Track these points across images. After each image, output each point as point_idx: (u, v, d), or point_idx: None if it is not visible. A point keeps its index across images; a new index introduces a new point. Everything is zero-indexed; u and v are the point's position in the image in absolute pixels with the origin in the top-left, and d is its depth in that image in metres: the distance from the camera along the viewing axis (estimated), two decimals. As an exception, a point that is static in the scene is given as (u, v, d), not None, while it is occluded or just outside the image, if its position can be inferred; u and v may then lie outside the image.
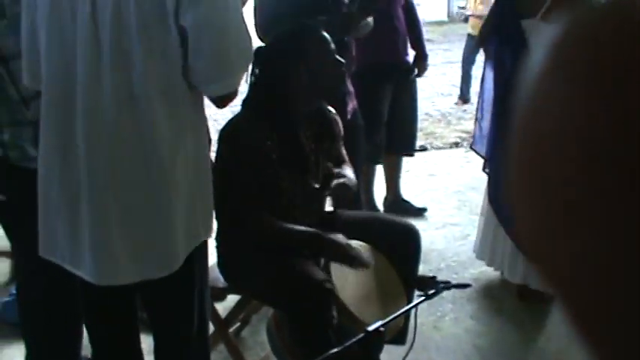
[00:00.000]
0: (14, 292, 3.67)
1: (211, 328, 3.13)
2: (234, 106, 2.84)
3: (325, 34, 2.87)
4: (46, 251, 2.30)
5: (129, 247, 2.16)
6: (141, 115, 2.06)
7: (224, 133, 2.82)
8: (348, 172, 3.01)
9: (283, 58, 2.79)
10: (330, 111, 3.05)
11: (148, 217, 2.15)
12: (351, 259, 2.69)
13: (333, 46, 2.87)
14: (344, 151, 3.15)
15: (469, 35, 10.20)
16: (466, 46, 10.23)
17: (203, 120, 2.33)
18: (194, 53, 2.05)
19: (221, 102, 2.25)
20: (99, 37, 2.03)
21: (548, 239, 0.44)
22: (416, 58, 5.22)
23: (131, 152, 2.10)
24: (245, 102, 2.89)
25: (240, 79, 2.20)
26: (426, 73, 5.49)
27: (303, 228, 2.76)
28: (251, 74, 2.86)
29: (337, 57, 2.87)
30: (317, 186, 2.83)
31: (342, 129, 3.09)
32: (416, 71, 5.26)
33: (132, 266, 2.18)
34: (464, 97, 10.06)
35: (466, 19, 13.05)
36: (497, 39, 3.81)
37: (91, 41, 2.03)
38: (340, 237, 2.73)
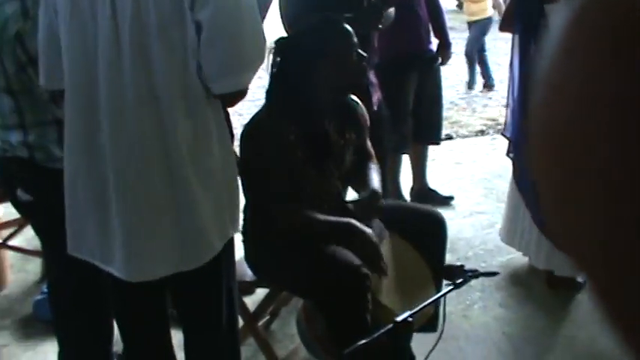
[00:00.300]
0: (46, 290, 3.72)
1: (240, 321, 3.16)
2: (259, 100, 2.86)
3: (348, 27, 2.86)
4: (75, 249, 2.33)
5: (158, 241, 2.18)
6: (162, 112, 2.08)
7: (248, 128, 2.83)
8: (374, 177, 3.03)
9: (306, 52, 2.79)
10: (356, 103, 3.06)
11: (176, 213, 2.17)
12: (373, 258, 2.69)
13: (355, 39, 2.86)
14: (369, 144, 3.15)
15: (469, 23, 10.13)
16: (470, 36, 10.17)
17: (226, 115, 2.34)
18: (206, 47, 2.05)
19: (229, 100, 2.25)
20: (119, 36, 2.05)
21: (573, 210, 0.42)
22: (439, 46, 5.20)
23: (154, 149, 2.12)
24: (268, 94, 2.90)
25: (250, 78, 2.19)
26: (450, 61, 5.46)
27: (334, 218, 2.77)
28: (272, 65, 2.87)
29: (360, 51, 2.87)
30: (349, 205, 2.81)
31: (368, 121, 3.10)
32: (440, 60, 5.24)
33: (162, 261, 2.21)
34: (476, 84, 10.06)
35: (460, 6, 12.83)
36: (521, 26, 3.78)
37: (111, 40, 2.05)
38: (371, 232, 2.74)
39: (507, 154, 4.08)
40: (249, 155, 2.78)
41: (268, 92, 2.90)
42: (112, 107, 2.09)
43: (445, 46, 5.23)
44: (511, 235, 4.18)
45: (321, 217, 2.74)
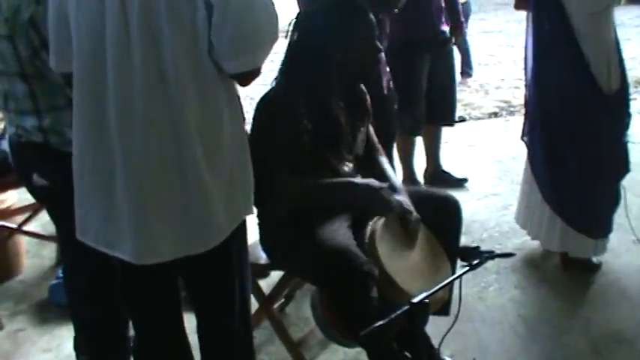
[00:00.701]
0: (62, 274, 3.74)
1: (255, 304, 3.16)
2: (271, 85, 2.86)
3: (372, 17, 2.85)
4: (82, 234, 2.31)
5: (167, 224, 2.16)
6: (172, 92, 2.06)
7: (261, 102, 2.85)
8: (390, 171, 3.08)
9: (324, 34, 2.78)
10: (362, 89, 3.07)
11: (185, 194, 2.15)
12: (384, 203, 2.75)
13: (376, 31, 2.86)
14: (373, 133, 3.17)
15: None
16: None
17: (237, 96, 2.32)
18: (218, 28, 2.02)
19: (244, 79, 2.23)
20: (128, 17, 2.02)
21: None
22: (452, 26, 5.16)
23: (163, 130, 2.09)
24: (282, 67, 2.90)
25: (263, 57, 2.16)
26: (463, 43, 5.43)
27: (335, 180, 2.81)
28: (290, 36, 2.86)
29: (377, 43, 2.87)
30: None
31: (370, 106, 3.11)
32: (453, 40, 5.21)
33: (170, 243, 2.19)
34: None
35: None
36: (535, 3, 3.76)
37: (120, 22, 2.03)
38: (373, 181, 2.78)
39: (521, 138, 4.06)
40: (260, 124, 2.79)
41: (283, 65, 2.90)
42: (120, 90, 2.07)
43: (457, 27, 5.20)
44: (525, 218, 4.17)
45: (323, 180, 2.79)
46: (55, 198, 2.79)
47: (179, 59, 2.04)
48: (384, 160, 3.14)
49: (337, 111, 2.88)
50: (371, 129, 3.16)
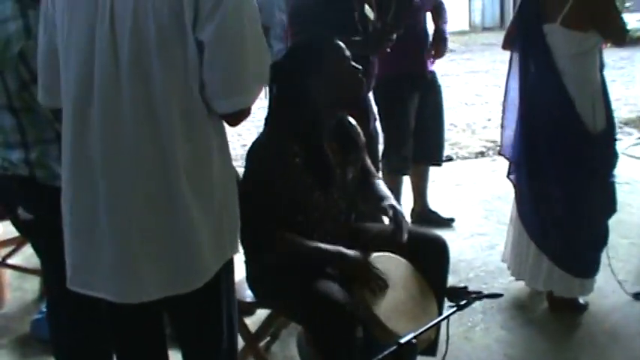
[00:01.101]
0: (44, 309, 3.69)
1: (241, 342, 3.13)
2: (259, 120, 2.86)
3: (338, 41, 2.87)
4: (71, 282, 2.28)
5: (151, 263, 2.13)
6: (161, 131, 2.04)
7: (250, 151, 2.84)
8: (386, 191, 3.10)
9: (300, 72, 2.79)
10: (351, 123, 3.07)
11: (171, 234, 2.12)
12: (369, 279, 2.70)
13: (348, 53, 2.87)
14: (369, 162, 3.16)
15: None
16: None
17: (225, 135, 2.30)
18: (208, 66, 2.02)
19: (233, 120, 2.22)
20: (117, 52, 2.01)
21: None
22: (434, 38, 5.08)
23: (151, 168, 2.07)
24: (267, 119, 2.90)
25: (254, 96, 2.15)
26: (449, 83, 5.47)
27: (325, 246, 2.77)
28: (269, 91, 2.86)
29: (354, 64, 2.87)
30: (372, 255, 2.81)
31: (364, 140, 3.11)
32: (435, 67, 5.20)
33: (154, 283, 2.16)
34: None
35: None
36: (521, 44, 3.81)
37: (109, 56, 2.02)
38: (361, 256, 2.75)
39: (507, 176, 4.08)
40: (251, 174, 2.78)
41: (267, 118, 2.90)
42: (106, 126, 2.05)
43: (440, 39, 5.11)
44: (511, 257, 4.17)
45: (314, 244, 2.76)
46: (40, 231, 2.77)
47: (169, 97, 2.02)
48: (379, 183, 3.15)
49: (329, 153, 2.87)
50: (367, 159, 3.17)
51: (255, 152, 2.83)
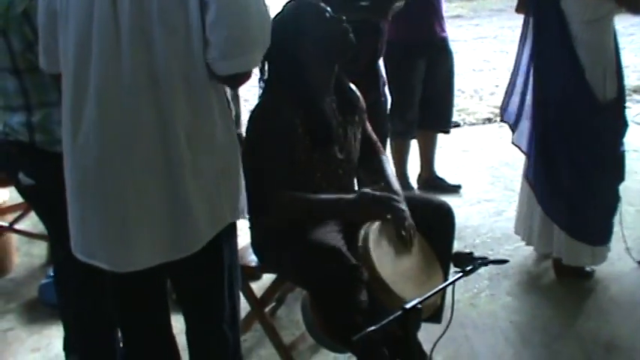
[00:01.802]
0: (52, 274, 3.71)
1: (247, 307, 3.15)
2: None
3: (313, 1, 2.89)
4: (74, 249, 2.30)
5: (147, 229, 2.14)
6: (162, 97, 2.03)
7: (253, 114, 2.85)
8: (390, 172, 3.09)
9: (286, 39, 2.78)
10: (351, 87, 3.08)
11: (165, 200, 2.12)
12: (376, 214, 2.74)
13: (324, 6, 2.88)
14: (370, 130, 3.18)
15: None
16: None
17: (226, 100, 2.28)
18: (213, 27, 2.00)
19: (235, 82, 2.21)
20: (118, 18, 2.00)
21: None
22: None
23: (150, 134, 2.06)
24: (265, 88, 2.90)
25: (257, 59, 2.15)
26: (457, 49, 5.39)
27: (325, 195, 2.80)
28: (260, 68, 2.86)
29: (333, 15, 2.87)
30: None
31: (364, 104, 3.12)
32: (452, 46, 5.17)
33: (149, 251, 2.16)
34: None
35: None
36: (535, 9, 3.75)
37: (109, 22, 2.00)
38: (364, 192, 2.78)
39: (513, 142, 4.05)
40: (253, 136, 2.78)
41: (265, 87, 2.91)
42: (103, 92, 2.04)
43: None
44: (522, 225, 4.17)
45: (313, 195, 2.78)
46: (41, 197, 2.78)
47: (171, 62, 2.01)
48: (383, 159, 3.15)
49: (328, 111, 2.88)
50: (369, 128, 3.17)
51: (254, 116, 2.84)
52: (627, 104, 3.95)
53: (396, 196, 2.81)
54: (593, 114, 3.67)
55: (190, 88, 2.07)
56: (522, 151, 3.98)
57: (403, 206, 2.79)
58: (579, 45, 3.58)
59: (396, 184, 2.99)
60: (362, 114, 3.10)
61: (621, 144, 3.81)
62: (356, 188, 3.17)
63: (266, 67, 2.87)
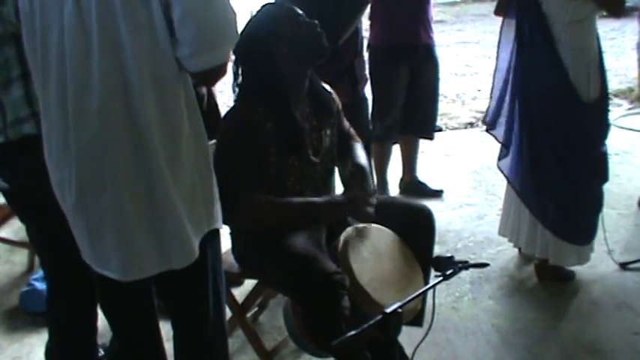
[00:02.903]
0: (32, 282, 3.70)
1: (228, 313, 3.14)
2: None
3: (288, 4, 2.90)
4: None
5: (147, 241, 2.14)
6: (134, 101, 2.02)
7: (225, 117, 2.87)
8: (360, 153, 3.09)
9: (260, 42, 2.79)
10: (325, 89, 3.08)
11: (153, 208, 2.11)
12: (349, 210, 2.78)
13: (299, 10, 2.88)
14: (347, 125, 3.19)
15: None
16: None
17: (195, 106, 2.27)
18: (180, 25, 1.99)
19: (208, 78, 2.20)
20: (85, 22, 1.99)
21: None
22: None
23: (123, 141, 2.05)
24: (239, 92, 2.91)
25: (228, 51, 2.13)
26: (440, 54, 5.35)
27: (297, 199, 2.82)
28: (234, 72, 2.86)
29: (307, 19, 2.87)
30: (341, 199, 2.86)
31: (339, 105, 3.13)
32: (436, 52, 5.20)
33: (154, 259, 2.17)
34: None
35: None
36: (517, 11, 3.76)
37: (77, 27, 1.99)
38: (333, 197, 2.82)
39: (487, 130, 4.12)
40: (226, 139, 2.79)
41: (239, 92, 2.91)
42: (78, 98, 2.03)
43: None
44: (506, 226, 4.18)
45: (286, 200, 2.80)
46: (18, 199, 2.75)
47: (139, 61, 2.00)
48: (357, 146, 3.14)
49: (300, 116, 2.89)
50: (346, 125, 3.18)
51: (227, 119, 2.86)
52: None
53: (355, 194, 2.83)
54: (578, 114, 3.70)
55: (160, 86, 2.05)
56: (497, 140, 4.01)
57: (366, 205, 2.81)
58: (562, 46, 3.61)
59: (363, 162, 3.02)
60: (338, 115, 3.11)
61: (604, 144, 3.83)
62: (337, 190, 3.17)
63: (240, 71, 2.86)
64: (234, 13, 2.11)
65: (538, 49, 3.69)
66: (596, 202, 3.89)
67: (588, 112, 3.70)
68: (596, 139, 3.82)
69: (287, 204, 2.79)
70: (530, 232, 3.96)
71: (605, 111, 3.84)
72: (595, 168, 3.83)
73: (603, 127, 3.83)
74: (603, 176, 3.87)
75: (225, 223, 2.51)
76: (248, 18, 2.92)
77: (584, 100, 3.66)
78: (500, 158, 4.03)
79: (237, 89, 2.90)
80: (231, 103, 2.92)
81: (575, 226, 3.88)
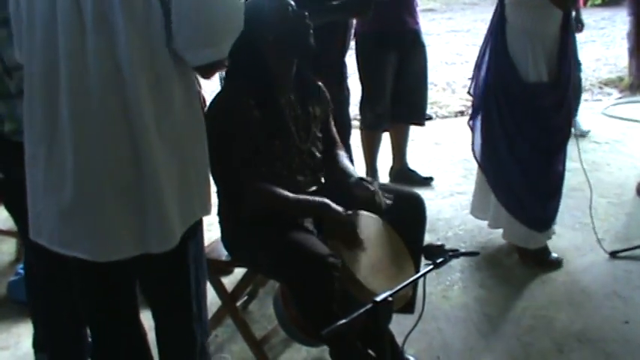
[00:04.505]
0: (20, 270, 3.67)
1: (218, 302, 3.13)
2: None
3: None
4: (35, 234, 2.24)
5: (122, 219, 2.10)
6: (127, 87, 1.99)
7: (212, 106, 2.84)
8: (349, 166, 3.09)
9: (247, 30, 2.77)
10: (314, 81, 3.07)
11: (140, 191, 2.07)
12: (346, 234, 2.72)
13: (289, 1, 2.87)
14: (334, 130, 3.18)
15: None
16: None
17: (194, 92, 2.26)
18: (179, 18, 1.97)
19: (207, 72, 2.19)
20: (81, 8, 1.97)
21: None
22: None
23: (117, 127, 2.02)
24: (225, 77, 2.89)
25: (227, 46, 2.11)
26: (430, 42, 5.38)
27: (306, 197, 2.79)
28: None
29: (297, 11, 2.86)
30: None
31: (330, 101, 3.12)
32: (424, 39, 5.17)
33: (128, 241, 2.12)
34: None
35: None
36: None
37: (72, 12, 1.96)
38: (343, 210, 2.74)
39: (468, 123, 4.31)
40: (215, 129, 2.76)
41: (225, 77, 2.92)
42: (73, 83, 2.00)
43: None
44: (477, 205, 4.31)
45: (293, 196, 2.76)
46: (11, 192, 2.73)
47: (134, 51, 1.97)
48: (342, 155, 3.13)
49: (285, 103, 2.88)
50: (333, 129, 3.17)
51: (213, 106, 2.83)
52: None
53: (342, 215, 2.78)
54: (521, 92, 3.83)
55: (154, 76, 2.03)
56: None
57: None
58: (508, 25, 3.82)
59: (355, 176, 2.99)
60: (327, 107, 3.10)
61: (560, 131, 3.91)
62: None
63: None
64: (239, 7, 2.09)
65: (492, 30, 3.94)
66: (548, 191, 3.94)
67: (530, 93, 3.82)
68: (547, 124, 3.88)
69: (288, 199, 2.76)
70: (496, 212, 4.07)
71: (561, 98, 3.90)
72: (546, 154, 3.92)
73: (548, 110, 3.89)
74: (556, 164, 3.94)
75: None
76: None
77: (523, 78, 3.80)
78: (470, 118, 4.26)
79: (223, 75, 2.89)
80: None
81: (524, 208, 3.96)
